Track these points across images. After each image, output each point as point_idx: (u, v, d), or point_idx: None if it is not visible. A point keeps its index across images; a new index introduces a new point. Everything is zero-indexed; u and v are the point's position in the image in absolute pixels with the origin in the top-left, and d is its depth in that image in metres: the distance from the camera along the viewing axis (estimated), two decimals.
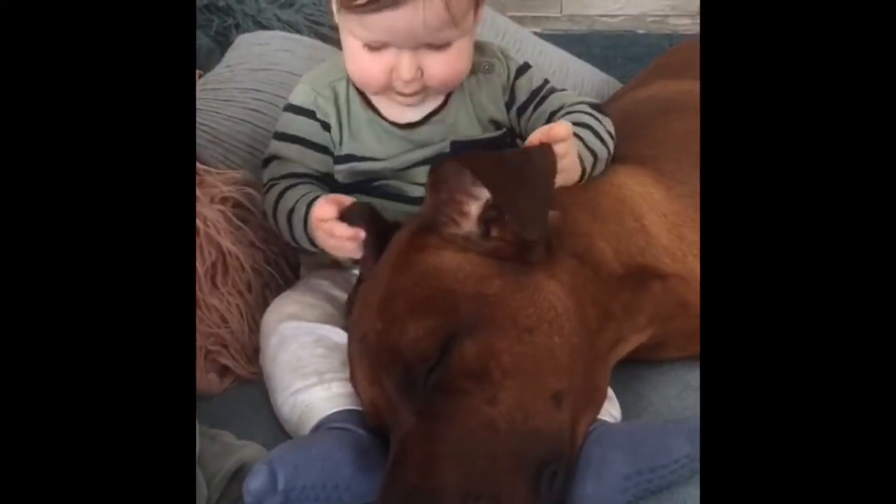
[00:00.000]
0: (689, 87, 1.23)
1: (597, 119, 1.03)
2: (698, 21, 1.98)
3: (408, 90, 0.99)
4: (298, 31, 1.60)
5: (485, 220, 0.87)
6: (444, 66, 0.98)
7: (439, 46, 0.97)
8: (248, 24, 1.59)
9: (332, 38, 1.58)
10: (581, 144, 0.98)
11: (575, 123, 1.00)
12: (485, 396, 0.78)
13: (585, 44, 1.90)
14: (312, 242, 1.01)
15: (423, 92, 1.01)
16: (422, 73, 0.97)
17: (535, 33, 1.81)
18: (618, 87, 1.65)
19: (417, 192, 1.02)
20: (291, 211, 1.02)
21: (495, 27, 1.62)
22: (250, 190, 1.14)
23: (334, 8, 1.00)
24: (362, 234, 0.95)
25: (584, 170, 0.98)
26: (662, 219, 0.98)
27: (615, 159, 1.04)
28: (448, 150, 1.04)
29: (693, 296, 0.96)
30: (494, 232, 0.87)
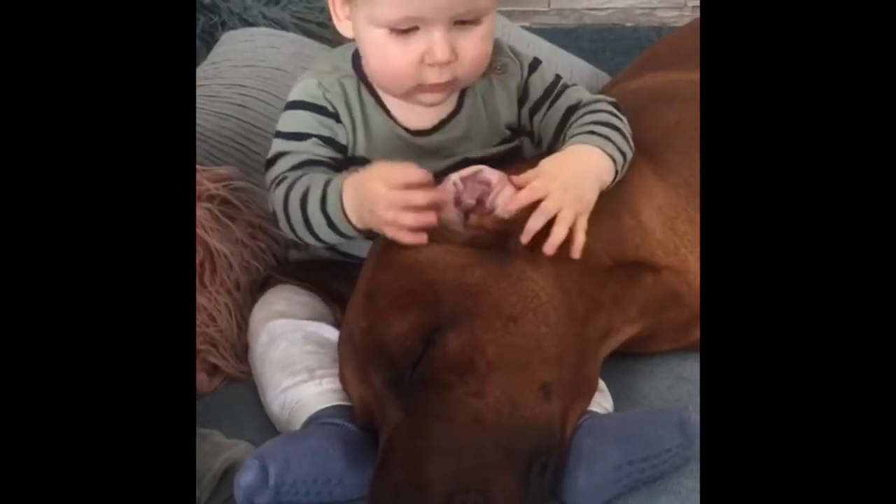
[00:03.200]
0: (679, 78, 1.22)
1: (620, 119, 0.97)
2: (686, 13, 1.98)
3: (441, 78, 0.92)
4: (285, 29, 1.59)
5: (463, 209, 0.86)
6: (475, 43, 0.92)
7: (471, 21, 0.91)
8: (234, 22, 1.58)
9: (317, 34, 1.58)
10: (612, 146, 0.92)
11: (601, 123, 0.95)
12: (470, 390, 0.77)
13: (574, 38, 1.89)
14: (331, 226, 0.91)
15: (451, 87, 0.96)
16: (455, 56, 0.91)
17: (524, 27, 1.81)
18: (607, 80, 1.65)
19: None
20: (305, 196, 0.92)
21: None
22: (240, 183, 1.13)
23: (349, 6, 0.94)
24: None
25: (616, 172, 0.92)
26: (658, 212, 0.97)
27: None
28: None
29: (685, 287, 0.95)
30: (472, 220, 0.86)
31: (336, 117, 0.98)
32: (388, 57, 0.92)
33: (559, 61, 1.66)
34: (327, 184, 0.91)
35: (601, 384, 0.91)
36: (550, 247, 0.84)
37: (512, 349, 0.80)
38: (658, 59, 1.42)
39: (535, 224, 0.84)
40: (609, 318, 0.91)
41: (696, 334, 0.98)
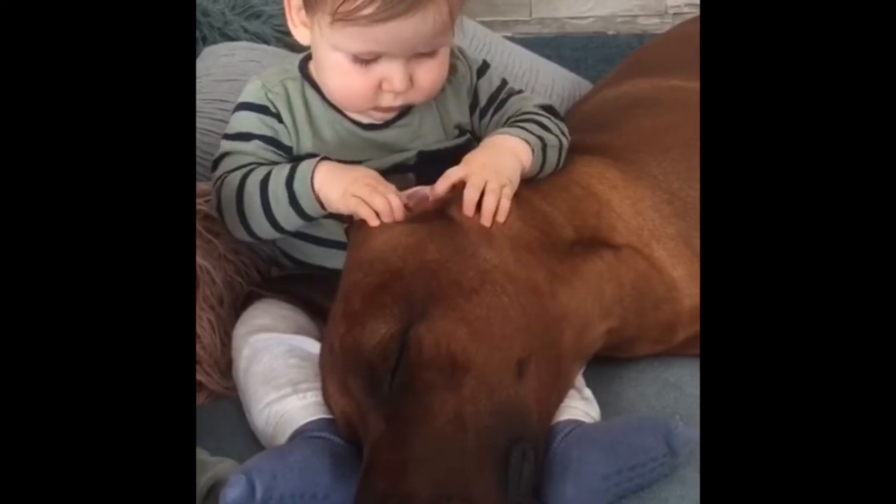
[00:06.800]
0: (660, 84, 1.23)
1: (546, 117, 1.03)
2: (667, 20, 1.99)
3: (396, 103, 0.97)
4: (266, 42, 1.59)
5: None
6: (432, 73, 0.97)
7: (430, 53, 0.95)
8: (215, 37, 1.57)
9: (299, 48, 1.57)
10: (525, 132, 0.98)
11: (523, 120, 1.01)
12: (449, 385, 0.78)
13: (556, 46, 1.90)
14: (293, 202, 0.95)
15: (404, 106, 0.99)
16: (412, 83, 0.96)
17: (506, 37, 1.81)
18: (589, 88, 1.65)
19: None
20: (266, 179, 0.96)
21: (463, 31, 1.61)
22: None
23: (311, 25, 0.96)
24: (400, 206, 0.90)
25: (534, 152, 0.97)
26: (614, 191, 0.99)
27: (576, 150, 1.04)
28: (414, 160, 1.02)
29: (655, 274, 0.96)
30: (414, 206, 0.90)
31: (278, 117, 1.00)
32: (346, 80, 0.96)
33: (541, 70, 1.66)
34: (294, 166, 0.95)
35: (588, 393, 0.91)
36: (485, 218, 0.89)
37: (481, 322, 0.81)
38: (639, 66, 1.42)
39: (469, 196, 0.90)
40: (580, 300, 0.90)
41: (679, 336, 0.98)
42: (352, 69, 0.94)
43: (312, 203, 0.95)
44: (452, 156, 0.99)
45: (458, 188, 0.91)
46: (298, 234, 1.01)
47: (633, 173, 1.00)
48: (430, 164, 1.00)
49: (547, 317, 0.86)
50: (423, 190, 0.94)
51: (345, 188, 0.92)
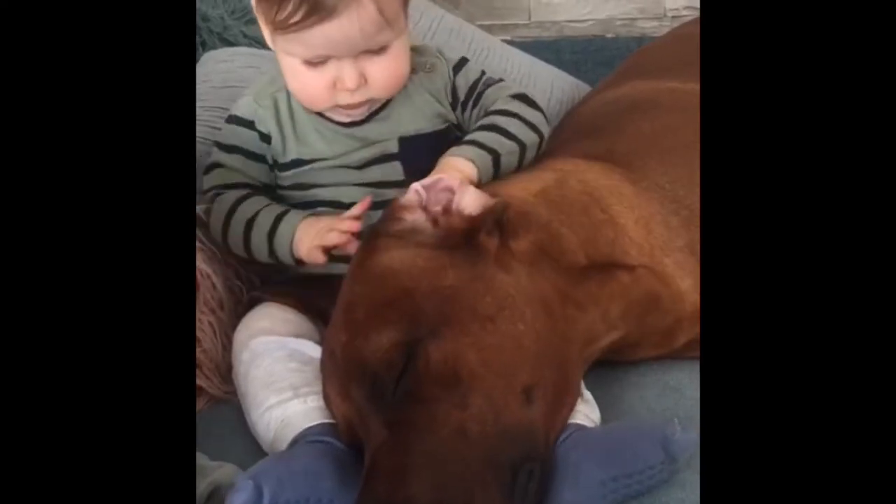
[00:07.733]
0: (658, 87, 1.23)
1: (512, 115, 1.05)
2: (666, 23, 1.99)
3: (353, 100, 1.00)
4: (265, 47, 1.58)
5: (431, 216, 0.88)
6: (385, 69, 1.00)
7: (378, 50, 0.99)
8: (214, 42, 1.57)
9: None
10: (473, 148, 1.01)
11: (486, 127, 1.04)
12: (455, 402, 0.77)
13: (555, 50, 1.90)
14: (272, 253, 1.03)
15: (368, 103, 1.02)
16: (365, 80, 0.99)
17: (505, 41, 1.81)
18: (588, 91, 1.65)
19: (360, 196, 1.02)
20: (252, 220, 1.03)
21: (462, 36, 1.62)
22: None
23: (266, 32, 1.01)
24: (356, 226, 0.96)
25: (479, 169, 0.99)
26: (630, 211, 0.98)
27: (584, 156, 1.04)
28: (396, 148, 1.04)
29: (664, 289, 0.95)
30: (441, 220, 0.88)
31: (262, 133, 1.06)
32: (303, 82, 1.01)
33: (540, 74, 1.66)
34: (280, 216, 1.02)
35: (588, 396, 0.91)
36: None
37: (492, 350, 0.80)
38: (637, 68, 1.42)
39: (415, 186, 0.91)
40: (590, 320, 0.90)
41: (680, 340, 0.98)
42: (305, 71, 0.99)
43: (288, 258, 1.02)
44: (434, 141, 1.03)
45: (490, 210, 0.88)
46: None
47: (643, 184, 1.00)
48: (414, 151, 1.03)
49: (560, 343, 0.85)
50: (442, 182, 0.90)
51: (308, 248, 0.99)
